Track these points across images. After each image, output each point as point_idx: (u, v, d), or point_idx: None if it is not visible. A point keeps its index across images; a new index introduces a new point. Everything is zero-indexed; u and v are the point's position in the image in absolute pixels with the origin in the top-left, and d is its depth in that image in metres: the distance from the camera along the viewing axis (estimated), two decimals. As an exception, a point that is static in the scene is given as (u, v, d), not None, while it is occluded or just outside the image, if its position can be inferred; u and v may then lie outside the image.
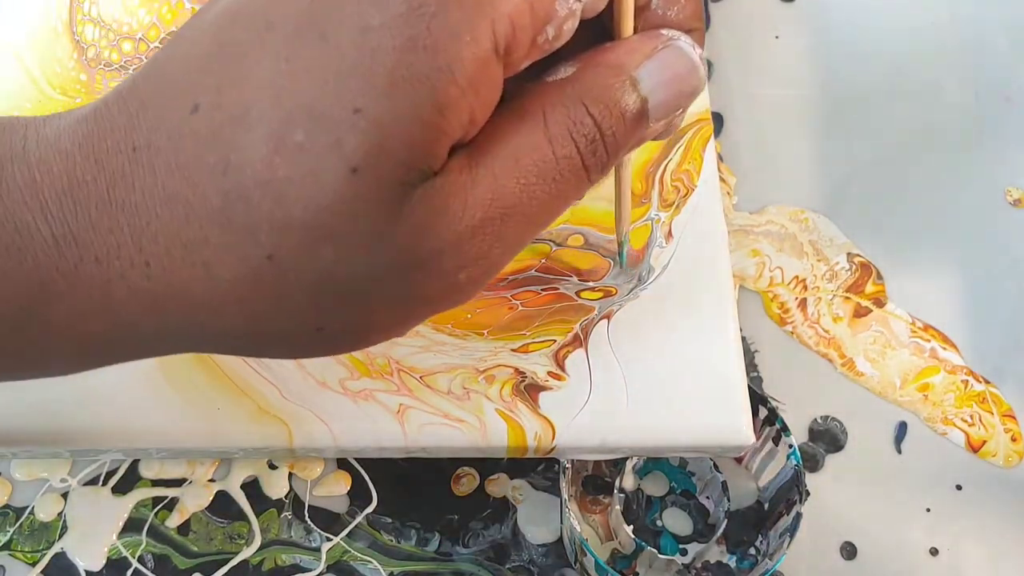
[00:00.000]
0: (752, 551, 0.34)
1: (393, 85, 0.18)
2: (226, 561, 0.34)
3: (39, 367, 0.22)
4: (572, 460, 0.33)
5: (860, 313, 0.40)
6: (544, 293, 0.33)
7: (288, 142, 0.19)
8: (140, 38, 0.39)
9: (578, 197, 0.22)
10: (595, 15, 0.22)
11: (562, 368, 0.31)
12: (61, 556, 0.34)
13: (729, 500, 0.34)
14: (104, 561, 0.34)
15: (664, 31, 0.23)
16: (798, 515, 0.32)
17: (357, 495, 0.36)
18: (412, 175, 0.19)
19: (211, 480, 0.36)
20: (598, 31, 0.22)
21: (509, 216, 0.21)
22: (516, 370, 0.31)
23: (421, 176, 0.19)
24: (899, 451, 0.37)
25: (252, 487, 0.36)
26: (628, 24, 0.22)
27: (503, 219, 0.21)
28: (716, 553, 0.34)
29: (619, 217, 0.30)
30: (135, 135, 0.20)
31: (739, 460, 0.36)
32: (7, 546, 0.34)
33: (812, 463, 0.37)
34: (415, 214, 0.19)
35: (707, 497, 0.35)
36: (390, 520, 0.35)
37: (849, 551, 0.36)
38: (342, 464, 0.36)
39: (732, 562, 0.34)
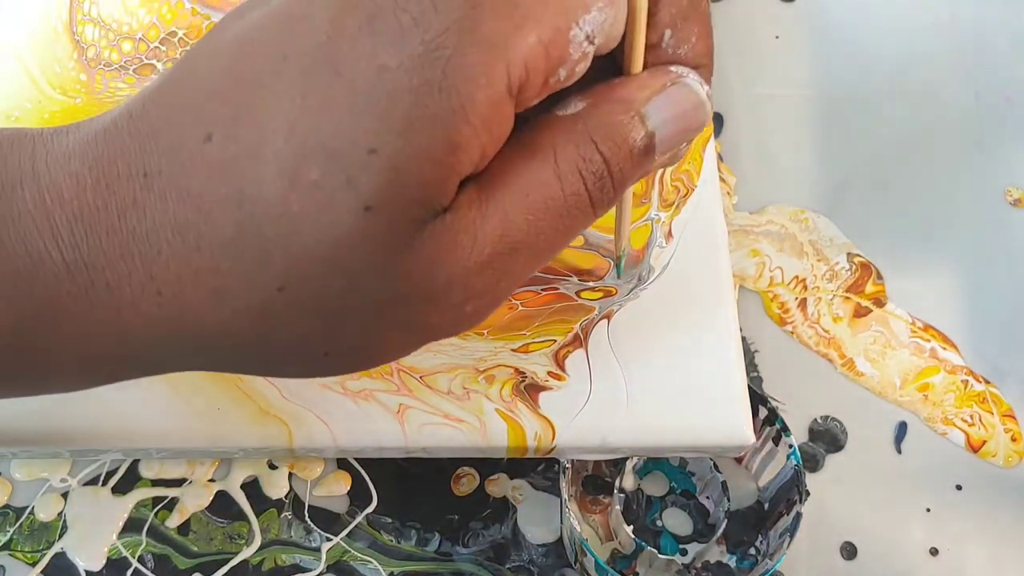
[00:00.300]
0: (752, 551, 0.34)
1: (408, 126, 0.19)
2: (226, 561, 0.34)
3: (46, 386, 0.23)
4: (572, 460, 0.33)
5: (860, 313, 0.40)
6: (544, 293, 0.33)
7: (303, 178, 0.19)
8: (140, 38, 0.39)
9: (584, 229, 0.23)
10: (607, 52, 0.22)
11: (562, 368, 0.31)
12: (61, 556, 0.34)
13: (729, 500, 0.34)
14: (104, 561, 0.34)
15: (673, 68, 0.23)
16: (798, 515, 0.32)
17: (357, 495, 0.36)
18: (424, 213, 0.20)
19: (211, 480, 0.36)
20: (607, 64, 0.22)
21: (517, 251, 0.21)
22: (516, 370, 0.31)
23: (432, 213, 0.20)
24: (899, 451, 0.37)
25: (252, 487, 0.36)
26: (639, 61, 0.23)
27: (511, 254, 0.21)
28: (716, 553, 0.34)
29: (619, 233, 0.30)
30: (146, 160, 0.20)
31: (739, 460, 0.36)
32: (7, 546, 0.34)
33: (812, 463, 0.37)
34: (425, 249, 0.20)
35: (707, 497, 0.35)
36: (390, 520, 0.35)
37: (849, 551, 0.36)
38: (342, 464, 0.36)
39: (732, 562, 0.34)
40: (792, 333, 0.39)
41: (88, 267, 0.20)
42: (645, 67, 0.23)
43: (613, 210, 0.29)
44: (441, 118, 0.19)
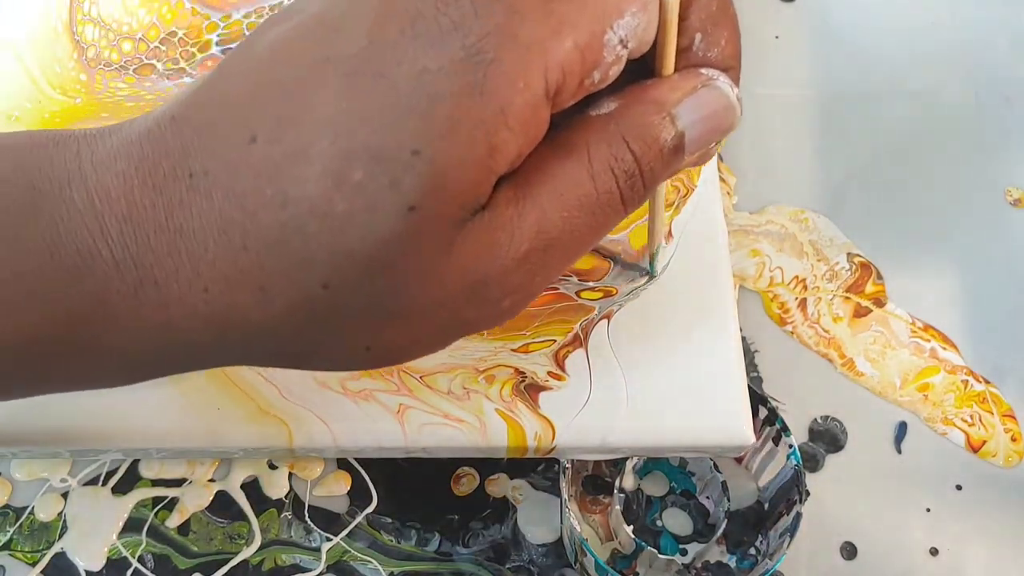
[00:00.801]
0: (752, 551, 0.34)
1: (450, 129, 0.19)
2: (226, 561, 0.34)
3: (93, 381, 0.23)
4: (572, 460, 0.33)
5: (860, 313, 0.40)
6: (544, 293, 0.33)
7: (347, 179, 0.19)
8: (140, 38, 0.39)
9: (614, 226, 0.23)
10: (639, 56, 0.22)
11: (562, 368, 0.31)
12: (61, 556, 0.34)
13: (729, 500, 0.34)
14: (104, 561, 0.34)
15: (704, 70, 0.23)
16: (798, 515, 0.32)
17: (357, 495, 0.36)
18: (464, 212, 0.20)
19: (211, 480, 0.36)
20: (639, 66, 0.23)
21: (552, 247, 0.22)
22: (516, 370, 0.31)
23: (471, 212, 0.20)
24: (899, 451, 0.37)
25: (252, 487, 0.36)
26: (670, 63, 0.23)
27: (546, 250, 0.21)
28: (716, 553, 0.34)
29: (652, 231, 0.31)
30: (191, 161, 0.20)
31: (739, 460, 0.36)
32: (7, 546, 0.34)
33: (812, 463, 0.37)
34: (465, 247, 0.20)
35: (707, 497, 0.35)
36: (390, 520, 0.35)
37: (849, 551, 0.36)
38: (342, 464, 0.36)
39: (732, 562, 0.34)
40: (792, 333, 0.39)
41: (137, 265, 0.20)
42: (676, 70, 0.23)
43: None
44: (482, 121, 0.19)
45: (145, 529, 0.35)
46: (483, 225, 0.21)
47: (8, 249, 0.20)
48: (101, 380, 0.23)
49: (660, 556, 0.33)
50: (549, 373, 0.31)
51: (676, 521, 0.35)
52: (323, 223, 0.20)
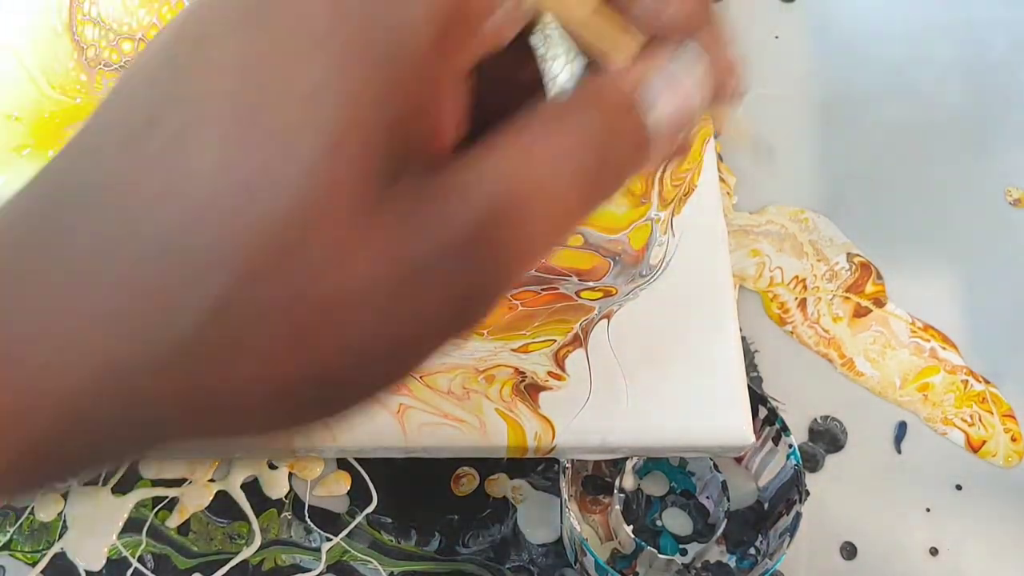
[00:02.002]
0: (752, 551, 0.34)
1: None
2: (226, 561, 0.34)
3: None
4: (572, 460, 0.33)
5: (860, 313, 0.40)
6: (544, 293, 0.33)
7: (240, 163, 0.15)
8: (140, 38, 0.39)
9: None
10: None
11: (562, 368, 0.31)
12: (61, 556, 0.34)
13: (729, 500, 0.34)
14: (104, 561, 0.34)
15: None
16: (798, 515, 0.32)
17: (357, 495, 0.36)
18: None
19: (211, 480, 0.36)
20: None
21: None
22: (516, 370, 0.31)
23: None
24: (899, 451, 0.37)
25: (252, 487, 0.36)
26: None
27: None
28: (716, 553, 0.34)
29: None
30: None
31: (739, 460, 0.36)
32: (7, 546, 0.34)
33: (812, 463, 0.37)
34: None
35: (707, 497, 0.35)
36: (390, 520, 0.35)
37: (849, 551, 0.36)
38: (342, 464, 0.36)
39: (732, 562, 0.34)
40: (792, 333, 0.39)
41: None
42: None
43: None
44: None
45: (145, 529, 0.35)
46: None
47: None
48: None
49: (660, 556, 0.33)
50: (549, 373, 0.31)
51: (676, 521, 0.35)
52: (220, 212, 0.15)
